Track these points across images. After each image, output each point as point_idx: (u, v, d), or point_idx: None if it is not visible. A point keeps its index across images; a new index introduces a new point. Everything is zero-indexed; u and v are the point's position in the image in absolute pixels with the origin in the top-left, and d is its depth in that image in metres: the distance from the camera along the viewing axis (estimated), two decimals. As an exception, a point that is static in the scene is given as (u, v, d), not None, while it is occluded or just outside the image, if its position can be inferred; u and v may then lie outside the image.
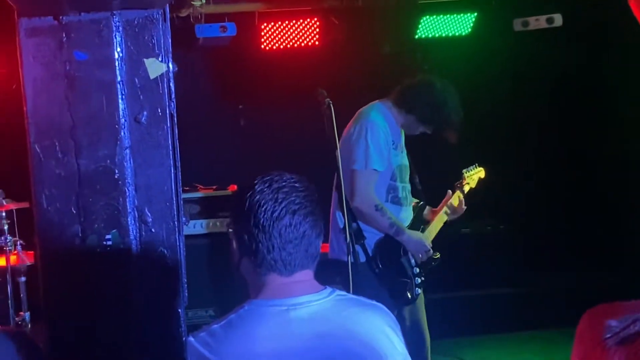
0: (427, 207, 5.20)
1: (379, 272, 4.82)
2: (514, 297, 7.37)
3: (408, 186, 4.99)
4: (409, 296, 4.90)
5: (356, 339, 2.21)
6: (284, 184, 2.23)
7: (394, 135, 4.86)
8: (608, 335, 1.40)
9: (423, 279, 4.96)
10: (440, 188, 5.36)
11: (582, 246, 7.60)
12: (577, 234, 7.66)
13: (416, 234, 4.95)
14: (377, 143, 4.73)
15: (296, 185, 2.24)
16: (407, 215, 4.99)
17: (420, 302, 5.06)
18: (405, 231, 4.87)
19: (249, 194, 2.23)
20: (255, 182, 2.25)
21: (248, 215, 2.22)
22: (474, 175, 5.53)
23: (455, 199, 5.26)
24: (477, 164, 5.58)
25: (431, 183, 5.30)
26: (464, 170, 5.48)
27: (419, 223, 5.07)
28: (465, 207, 5.18)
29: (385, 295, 4.74)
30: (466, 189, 5.42)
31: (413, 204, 5.11)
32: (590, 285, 7.15)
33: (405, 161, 4.98)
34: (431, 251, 4.96)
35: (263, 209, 2.20)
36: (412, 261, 4.92)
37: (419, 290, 4.95)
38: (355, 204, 4.69)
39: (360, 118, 4.82)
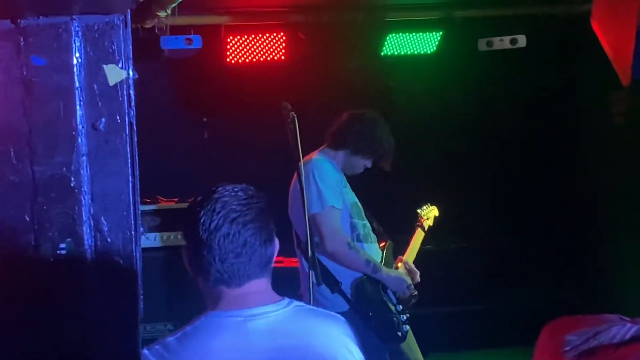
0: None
1: (365, 316, 4.69)
2: (476, 315, 7.38)
3: (367, 223, 4.91)
4: (399, 334, 4.80)
5: (315, 352, 2.19)
6: (225, 193, 2.19)
7: (341, 175, 4.82)
8: (567, 349, 1.39)
9: (408, 315, 4.86)
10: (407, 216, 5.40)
11: (545, 265, 7.63)
12: (540, 252, 7.70)
13: (393, 271, 4.89)
14: (327, 181, 4.65)
15: (238, 193, 2.20)
16: (374, 253, 4.87)
17: (411, 340, 4.96)
18: (382, 268, 4.78)
19: (192, 208, 2.20)
20: (200, 195, 2.22)
21: (190, 230, 2.19)
22: (430, 214, 5.57)
23: (419, 237, 5.28)
24: (429, 204, 5.66)
25: (400, 211, 5.35)
26: (419, 210, 5.55)
27: (391, 262, 5.00)
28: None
29: (374, 340, 4.65)
30: (426, 226, 5.46)
31: (381, 244, 5.02)
32: (551, 303, 7.19)
33: (354, 196, 4.91)
34: (412, 285, 4.88)
35: (202, 221, 2.15)
36: (393, 298, 4.83)
37: (407, 327, 4.85)
38: (328, 248, 4.59)
39: (304, 166, 4.59)
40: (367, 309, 4.70)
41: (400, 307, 4.83)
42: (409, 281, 4.88)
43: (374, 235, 4.95)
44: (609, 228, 7.41)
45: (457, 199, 7.55)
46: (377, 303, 4.74)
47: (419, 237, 5.36)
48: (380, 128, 4.95)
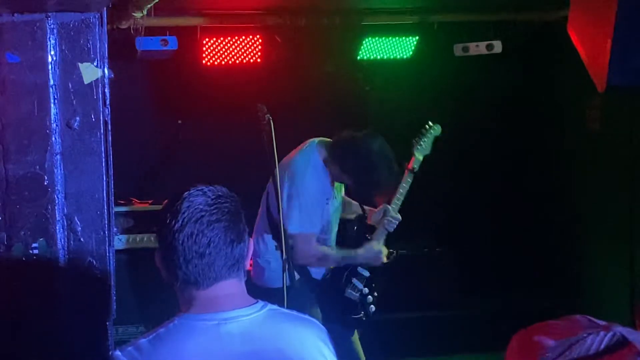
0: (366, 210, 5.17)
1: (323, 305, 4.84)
2: (449, 320, 7.39)
3: (335, 232, 4.98)
4: (364, 318, 4.97)
5: (286, 356, 2.17)
6: (193, 192, 2.16)
7: (326, 191, 4.80)
8: (548, 355, 1.38)
9: (375, 294, 4.97)
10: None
11: (520, 270, 7.65)
12: (515, 257, 7.72)
13: (366, 248, 4.92)
14: (312, 208, 4.68)
15: (207, 193, 2.17)
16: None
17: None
18: (356, 254, 4.88)
19: (162, 209, 2.18)
20: (171, 196, 2.19)
21: (160, 231, 2.17)
22: (428, 142, 5.14)
23: (406, 186, 5.09)
24: (429, 122, 5.18)
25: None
26: (414, 142, 5.10)
27: (362, 235, 5.03)
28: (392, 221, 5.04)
29: (334, 321, 4.75)
30: (417, 164, 5.09)
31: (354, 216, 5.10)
32: (526, 309, 7.21)
33: (338, 204, 4.94)
34: (385, 253, 4.94)
35: (167, 222, 2.13)
36: (360, 285, 4.92)
37: (373, 307, 4.97)
38: (298, 262, 4.64)
39: (295, 176, 4.69)
40: (326, 302, 4.86)
41: (367, 290, 4.94)
42: (384, 250, 4.94)
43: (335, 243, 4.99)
44: (586, 234, 7.45)
45: (431, 203, 7.57)
46: (340, 301, 4.88)
47: (406, 184, 5.04)
48: (383, 167, 4.75)
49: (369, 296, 4.94)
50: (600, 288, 7.18)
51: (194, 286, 2.16)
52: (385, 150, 4.77)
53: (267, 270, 4.76)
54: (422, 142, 5.11)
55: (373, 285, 4.96)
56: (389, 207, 5.01)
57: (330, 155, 4.78)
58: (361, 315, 4.93)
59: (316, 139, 4.88)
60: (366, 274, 4.93)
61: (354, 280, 4.90)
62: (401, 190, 5.02)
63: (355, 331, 5.08)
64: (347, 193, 5.05)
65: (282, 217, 4.43)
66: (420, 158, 5.08)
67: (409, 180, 5.04)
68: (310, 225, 4.69)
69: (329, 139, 4.88)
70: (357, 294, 4.90)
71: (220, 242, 2.14)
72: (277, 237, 4.58)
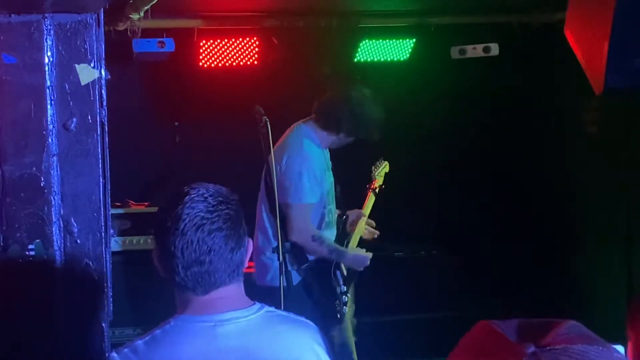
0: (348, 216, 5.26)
1: (311, 293, 4.87)
2: (445, 322, 7.38)
3: (334, 206, 5.02)
4: (339, 316, 4.96)
5: (281, 359, 2.17)
6: (194, 197, 2.12)
7: (325, 160, 4.87)
8: None
9: (349, 295, 5.03)
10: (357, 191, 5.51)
11: (515, 273, 7.66)
12: (510, 260, 7.72)
13: (356, 252, 5.02)
14: (313, 176, 4.74)
15: (208, 199, 2.13)
16: (332, 234, 5.06)
17: (348, 323, 5.08)
18: (346, 252, 4.94)
19: (160, 212, 2.15)
20: (170, 198, 2.16)
21: (157, 234, 2.15)
22: (382, 172, 5.60)
23: (370, 202, 5.35)
24: (382, 159, 5.68)
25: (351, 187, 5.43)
26: (373, 168, 5.56)
27: (344, 237, 5.11)
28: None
29: (318, 317, 4.75)
30: (377, 186, 5.50)
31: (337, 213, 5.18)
32: (523, 308, 7.20)
33: (332, 178, 5.01)
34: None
35: (167, 226, 2.10)
36: (340, 279, 4.95)
37: (346, 308, 5.01)
38: (292, 239, 4.72)
39: (292, 149, 4.76)
40: (313, 288, 4.90)
41: (344, 288, 5.00)
42: (368, 256, 5.03)
43: (336, 218, 5.09)
44: (585, 234, 7.45)
45: (428, 206, 7.57)
46: (326, 286, 4.93)
47: (370, 202, 5.41)
48: (369, 109, 4.97)
49: (344, 296, 5.00)
50: (598, 288, 7.17)
51: (191, 291, 2.15)
52: (359, 91, 5.05)
53: (271, 268, 4.77)
54: (378, 172, 5.55)
55: (347, 285, 5.02)
56: (362, 211, 5.24)
57: (320, 126, 4.89)
58: (338, 309, 4.97)
59: (297, 122, 4.98)
60: (344, 272, 4.99)
61: (338, 274, 4.97)
62: (366, 207, 5.33)
63: (349, 323, 5.10)
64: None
65: (278, 206, 4.49)
66: (377, 185, 5.49)
67: (372, 197, 5.40)
68: (309, 196, 4.73)
69: (306, 118, 4.99)
70: (338, 288, 4.96)
71: (221, 250, 2.12)
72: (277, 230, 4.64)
